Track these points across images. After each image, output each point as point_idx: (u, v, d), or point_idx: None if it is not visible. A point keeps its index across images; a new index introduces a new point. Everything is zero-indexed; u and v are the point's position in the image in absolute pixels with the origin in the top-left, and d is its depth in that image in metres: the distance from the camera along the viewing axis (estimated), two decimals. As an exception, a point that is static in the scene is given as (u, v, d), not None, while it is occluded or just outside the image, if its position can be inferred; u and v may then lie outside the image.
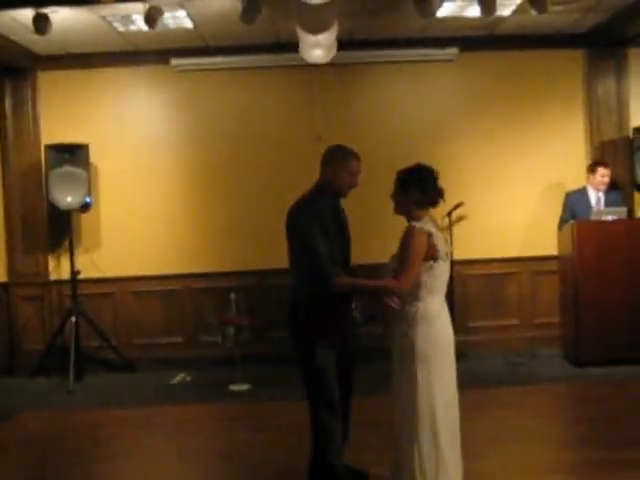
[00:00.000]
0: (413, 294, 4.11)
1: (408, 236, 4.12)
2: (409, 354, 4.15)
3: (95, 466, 5.39)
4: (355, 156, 4.51)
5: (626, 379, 7.01)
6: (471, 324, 8.46)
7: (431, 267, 4.13)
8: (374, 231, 7.52)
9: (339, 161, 4.46)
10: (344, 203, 4.63)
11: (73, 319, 7.85)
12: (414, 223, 4.16)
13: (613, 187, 8.09)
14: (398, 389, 4.21)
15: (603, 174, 7.83)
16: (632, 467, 4.79)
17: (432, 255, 4.12)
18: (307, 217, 4.42)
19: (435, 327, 4.17)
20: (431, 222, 4.22)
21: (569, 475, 4.84)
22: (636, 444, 5.26)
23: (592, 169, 7.94)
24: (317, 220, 4.38)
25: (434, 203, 4.22)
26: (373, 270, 4.54)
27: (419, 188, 4.18)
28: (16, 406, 7.01)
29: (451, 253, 4.35)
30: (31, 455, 5.74)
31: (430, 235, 4.12)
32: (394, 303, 4.10)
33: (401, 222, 4.31)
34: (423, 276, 4.11)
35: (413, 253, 4.09)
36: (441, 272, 4.19)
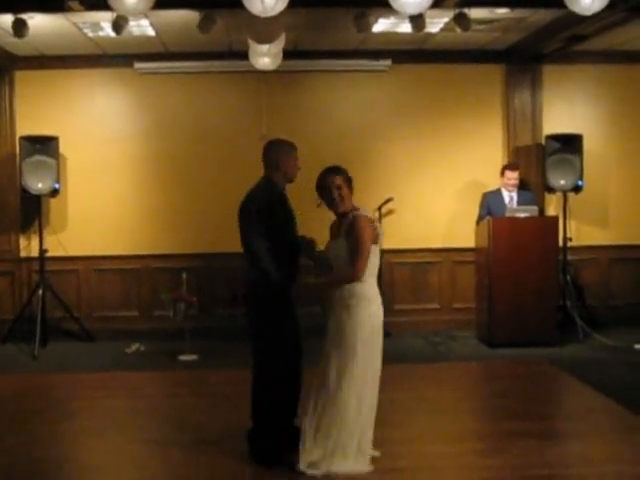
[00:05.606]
0: None
1: (360, 226, 4.28)
2: (350, 334, 4.28)
3: (56, 424, 5.62)
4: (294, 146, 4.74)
5: (531, 359, 7.39)
6: (396, 307, 8.77)
7: (372, 250, 4.34)
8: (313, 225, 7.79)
9: (289, 151, 4.68)
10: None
11: (40, 292, 8.17)
12: (361, 213, 4.35)
13: (526, 188, 8.52)
14: (330, 363, 4.31)
15: (510, 177, 8.23)
16: (533, 436, 5.09)
17: (375, 240, 4.35)
18: (250, 213, 4.51)
19: (372, 310, 4.33)
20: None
21: (478, 443, 5.10)
22: (538, 416, 5.60)
23: (502, 172, 8.34)
24: (261, 215, 4.47)
25: None
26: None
27: (351, 184, 4.47)
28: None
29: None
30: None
31: (373, 221, 4.37)
32: None
33: (328, 216, 4.61)
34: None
35: (366, 242, 4.27)
36: (376, 255, 4.38)
